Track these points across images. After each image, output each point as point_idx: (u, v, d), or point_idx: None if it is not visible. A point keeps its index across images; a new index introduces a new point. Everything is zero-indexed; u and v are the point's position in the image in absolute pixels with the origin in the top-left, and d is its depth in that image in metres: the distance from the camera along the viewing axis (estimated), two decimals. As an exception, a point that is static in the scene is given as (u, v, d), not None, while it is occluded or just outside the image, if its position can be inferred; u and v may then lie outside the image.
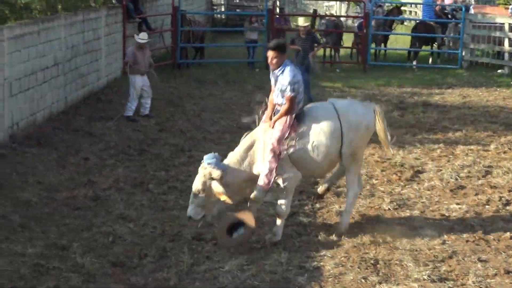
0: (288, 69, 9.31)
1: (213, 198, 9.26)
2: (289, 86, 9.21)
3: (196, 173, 12.21)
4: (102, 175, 11.98)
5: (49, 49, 15.23)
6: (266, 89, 19.60)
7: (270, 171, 9.23)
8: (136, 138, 14.48)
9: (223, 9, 37.70)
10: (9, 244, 8.97)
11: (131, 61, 16.28)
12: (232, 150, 13.70)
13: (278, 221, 9.47)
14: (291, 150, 9.27)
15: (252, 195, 9.38)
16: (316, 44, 18.08)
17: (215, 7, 37.94)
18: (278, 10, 27.04)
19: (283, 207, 9.41)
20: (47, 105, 15.04)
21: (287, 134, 9.27)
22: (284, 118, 9.31)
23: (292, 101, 9.24)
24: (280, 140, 9.23)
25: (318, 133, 9.34)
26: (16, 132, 13.51)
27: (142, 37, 16.50)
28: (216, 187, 9.15)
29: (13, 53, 13.51)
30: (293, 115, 9.32)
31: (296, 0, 41.07)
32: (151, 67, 16.59)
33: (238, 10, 35.69)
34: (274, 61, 9.41)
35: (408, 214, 10.49)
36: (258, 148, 9.44)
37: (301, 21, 18.77)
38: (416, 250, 9.11)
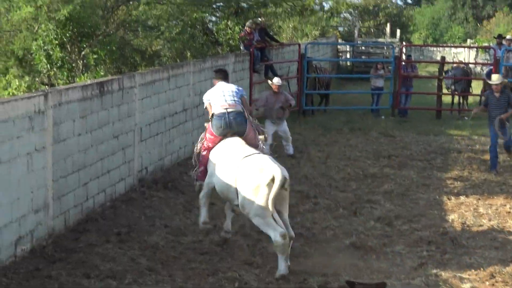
0: None
1: None
2: None
3: (321, 220, 12.14)
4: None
5: (178, 95, 15.53)
6: (391, 136, 19.47)
7: None
8: (262, 184, 14.44)
9: (348, 56, 37.67)
10: (138, 286, 9.06)
11: (262, 105, 16.85)
12: (358, 198, 13.59)
13: None
14: None
15: None
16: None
17: (340, 54, 37.95)
18: (404, 57, 26.70)
19: None
20: (174, 149, 15.30)
21: None
22: None
23: None
24: None
25: None
26: (145, 176, 13.78)
27: (277, 82, 17.02)
28: None
29: (144, 99, 13.83)
30: None
31: (423, 47, 40.61)
32: (285, 112, 17.10)
33: (364, 57, 35.60)
34: None
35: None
36: None
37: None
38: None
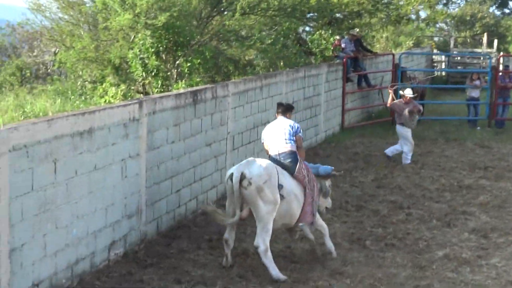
0: None
1: None
2: None
3: (414, 231, 11.95)
4: (318, 230, 11.91)
5: (271, 104, 15.56)
6: (487, 147, 19.04)
7: None
8: (354, 193, 14.36)
9: (443, 66, 37.08)
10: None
11: (397, 111, 17.44)
12: (453, 209, 13.32)
13: None
14: None
15: None
16: None
17: (435, 64, 37.40)
18: (502, 67, 26.10)
19: None
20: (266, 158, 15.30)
21: None
22: None
23: None
24: None
25: None
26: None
27: (408, 93, 17.46)
28: None
29: (237, 108, 13.91)
30: None
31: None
32: (413, 116, 17.37)
33: (459, 67, 34.98)
34: None
35: None
36: None
37: None
38: None
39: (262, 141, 10.85)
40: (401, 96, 17.89)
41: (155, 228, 11.07)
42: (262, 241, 9.61)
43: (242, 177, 9.65)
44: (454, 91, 28.97)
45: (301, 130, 10.74)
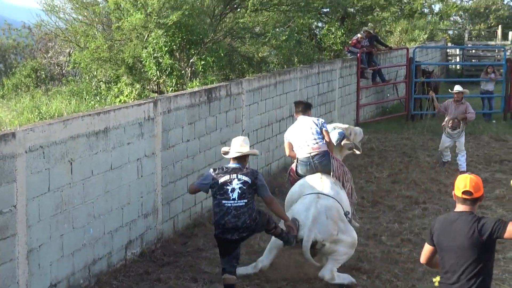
0: None
1: None
2: None
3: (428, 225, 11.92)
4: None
5: (285, 101, 15.57)
6: (502, 141, 18.95)
7: None
8: (369, 189, 14.35)
9: (458, 60, 36.94)
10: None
11: (442, 110, 16.22)
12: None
13: None
14: None
15: None
16: None
17: (450, 58, 37.27)
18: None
19: None
20: (281, 155, 15.31)
21: None
22: None
23: None
24: None
25: None
26: (253, 181, 13.84)
27: (457, 88, 16.14)
28: None
29: (251, 105, 13.94)
30: None
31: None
32: (459, 123, 15.89)
33: (474, 60, 34.85)
34: None
35: None
36: None
37: None
38: None
39: (286, 142, 10.58)
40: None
41: (172, 227, 11.12)
42: (329, 272, 9.21)
43: (314, 243, 9.19)
44: (469, 85, 28.85)
45: (325, 123, 10.62)
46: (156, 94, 15.31)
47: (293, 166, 10.56)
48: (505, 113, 22.35)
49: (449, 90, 16.72)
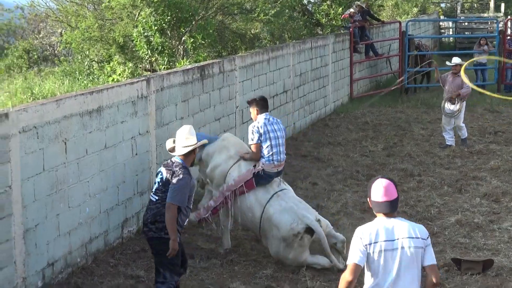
0: None
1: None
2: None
3: (426, 198, 11.97)
4: (331, 200, 11.97)
5: (278, 76, 15.55)
6: (496, 112, 18.97)
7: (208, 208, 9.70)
8: (364, 163, 14.37)
9: (451, 32, 36.89)
10: (242, 267, 9.16)
11: (442, 83, 15.76)
12: (464, 175, 13.33)
13: None
14: None
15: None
16: None
17: (443, 31, 37.21)
18: (510, 31, 25.93)
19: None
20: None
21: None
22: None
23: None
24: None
25: None
26: (247, 158, 13.84)
27: (455, 61, 15.71)
28: None
29: (244, 81, 13.91)
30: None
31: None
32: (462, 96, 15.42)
33: (467, 32, 34.79)
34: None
35: None
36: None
37: None
38: None
39: (251, 141, 9.52)
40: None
41: (167, 204, 11.10)
42: None
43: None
44: (463, 57, 28.80)
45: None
46: (149, 72, 15.26)
47: (248, 174, 9.62)
48: (499, 85, 22.36)
49: (447, 63, 16.40)
